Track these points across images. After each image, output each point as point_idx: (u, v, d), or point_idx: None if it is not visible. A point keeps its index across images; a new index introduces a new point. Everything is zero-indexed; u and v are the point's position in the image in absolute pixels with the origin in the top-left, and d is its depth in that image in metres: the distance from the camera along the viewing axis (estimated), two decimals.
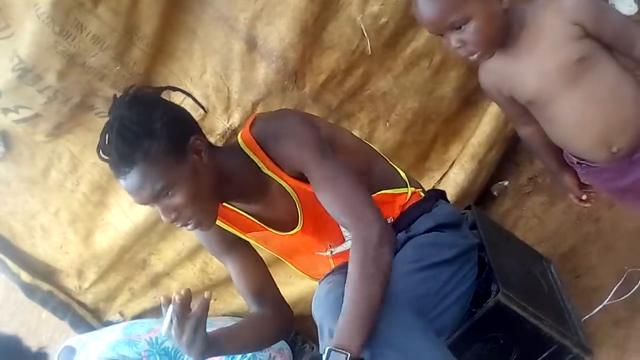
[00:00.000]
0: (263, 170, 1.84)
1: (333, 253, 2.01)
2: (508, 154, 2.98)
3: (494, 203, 2.98)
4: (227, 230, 2.05)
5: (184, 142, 1.75)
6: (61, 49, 2.26)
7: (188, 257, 3.01)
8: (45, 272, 3.17)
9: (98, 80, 2.38)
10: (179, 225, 1.80)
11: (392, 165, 2.10)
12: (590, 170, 1.88)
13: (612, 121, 1.72)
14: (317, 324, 1.76)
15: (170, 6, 2.34)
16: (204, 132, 2.46)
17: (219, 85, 2.48)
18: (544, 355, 2.07)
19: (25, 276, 3.12)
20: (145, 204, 1.76)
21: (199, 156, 1.77)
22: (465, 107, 2.86)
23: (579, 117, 1.73)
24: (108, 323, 3.22)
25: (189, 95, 1.97)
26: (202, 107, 2.04)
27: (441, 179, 2.90)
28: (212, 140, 2.53)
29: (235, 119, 2.54)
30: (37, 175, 2.76)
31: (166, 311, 1.67)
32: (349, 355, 1.54)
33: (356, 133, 2.67)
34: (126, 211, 2.80)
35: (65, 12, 2.21)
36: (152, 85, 2.44)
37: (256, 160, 1.84)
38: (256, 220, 1.99)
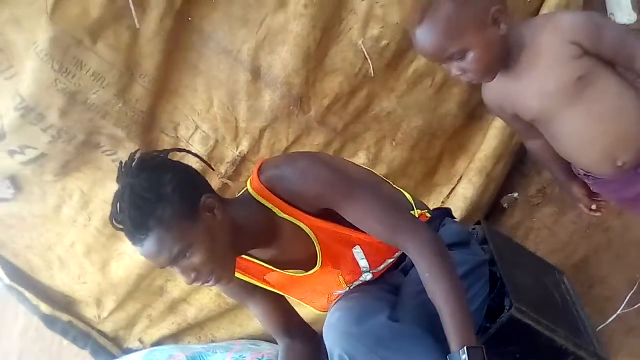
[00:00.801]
0: (279, 215, 1.84)
1: (351, 288, 2.02)
2: (516, 166, 2.99)
3: (504, 215, 2.98)
4: (243, 279, 2.07)
5: (196, 203, 1.75)
6: (62, 86, 2.30)
7: None
8: (64, 303, 3.21)
9: (101, 118, 2.41)
10: (199, 285, 1.80)
11: (397, 190, 2.11)
12: (597, 182, 1.90)
13: (616, 136, 1.73)
14: (328, 349, 1.78)
15: (170, 43, 2.37)
16: (214, 160, 2.52)
17: (226, 116, 2.52)
18: None
19: (45, 307, 3.16)
20: (163, 267, 1.77)
21: (212, 214, 1.77)
22: (470, 122, 2.88)
23: (582, 134, 1.75)
24: (128, 351, 3.26)
25: (194, 154, 1.98)
26: (210, 166, 2.07)
27: (450, 194, 2.91)
28: (222, 168, 2.58)
29: (244, 146, 2.58)
30: (49, 212, 2.80)
31: None
32: (483, 348, 1.61)
33: (363, 154, 2.72)
34: None
35: (64, 50, 2.24)
36: (158, 122, 2.48)
37: (270, 206, 1.83)
38: (271, 267, 1.99)
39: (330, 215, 1.82)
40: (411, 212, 2.01)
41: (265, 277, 2.05)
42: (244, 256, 1.97)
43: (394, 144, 2.73)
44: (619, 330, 2.20)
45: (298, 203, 1.82)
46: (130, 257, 2.90)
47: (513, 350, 2.05)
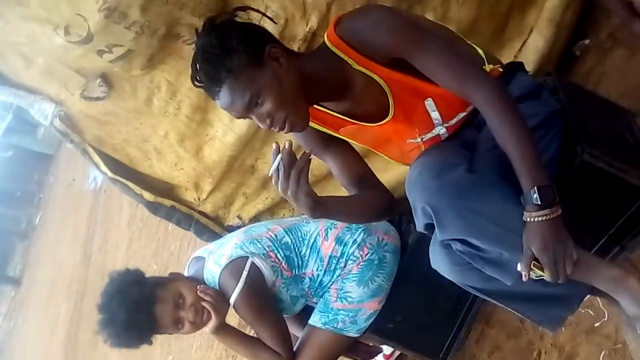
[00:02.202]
0: (354, 66, 1.94)
1: (424, 140, 2.11)
2: (586, 12, 2.92)
3: (577, 64, 2.95)
4: (320, 131, 2.21)
5: (260, 52, 1.90)
6: None
7: None
8: (165, 189, 3.41)
9: (178, 9, 2.51)
10: (277, 130, 1.95)
11: (470, 45, 2.15)
12: None
13: None
14: (411, 204, 1.91)
15: None
16: (286, 39, 2.60)
17: None
18: (633, 207, 2.11)
19: (147, 195, 3.37)
20: (241, 116, 1.95)
21: (277, 62, 1.92)
22: None
23: None
24: (229, 228, 3.45)
25: (256, 10, 2.16)
26: (272, 19, 2.23)
27: (521, 47, 2.89)
28: (295, 46, 2.65)
29: (313, 22, 2.62)
30: (141, 105, 2.95)
31: (274, 159, 1.86)
32: (553, 185, 1.77)
33: (430, 14, 2.69)
34: (228, 124, 2.99)
35: None
36: (230, 6, 2.57)
37: (346, 58, 1.94)
38: (345, 117, 2.12)
39: (402, 67, 1.92)
40: (483, 66, 2.07)
41: (340, 130, 2.18)
42: (320, 108, 2.11)
43: (460, 1, 2.71)
44: None
45: (372, 54, 1.92)
46: (220, 140, 3.06)
47: (586, 195, 2.10)
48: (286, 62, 1.93)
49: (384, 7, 2.04)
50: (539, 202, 1.74)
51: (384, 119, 2.06)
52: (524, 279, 1.79)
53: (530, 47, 2.87)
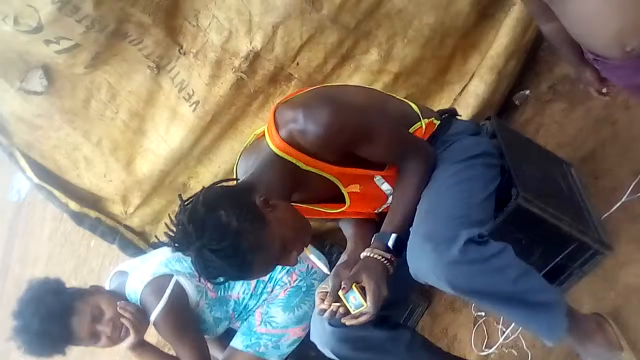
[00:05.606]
0: (302, 168, 1.91)
1: (377, 212, 2.19)
2: (528, 64, 3.00)
3: (516, 112, 3.02)
4: None
5: (255, 211, 1.77)
6: None
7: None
8: (91, 201, 3.30)
9: (130, 6, 2.50)
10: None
11: (402, 101, 2.16)
12: (606, 67, 1.93)
13: (627, 21, 1.71)
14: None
15: None
16: (229, 53, 2.60)
17: (240, 8, 2.57)
18: (564, 252, 2.17)
19: (73, 205, 3.25)
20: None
21: (269, 207, 1.80)
22: (482, 20, 2.87)
23: (593, 15, 1.74)
24: (155, 245, 3.36)
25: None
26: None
27: (462, 91, 2.94)
28: (237, 62, 2.65)
29: (257, 41, 2.62)
30: (78, 106, 2.88)
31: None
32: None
33: (375, 50, 2.75)
34: (163, 136, 2.93)
35: None
36: (181, 6, 2.56)
37: (294, 160, 1.90)
38: (311, 206, 2.10)
39: (349, 158, 1.96)
40: (418, 122, 2.10)
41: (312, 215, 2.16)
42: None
43: (405, 41, 2.74)
44: (623, 218, 2.26)
45: (321, 154, 1.91)
46: (153, 153, 2.99)
47: (519, 237, 2.13)
48: (274, 199, 1.84)
49: (325, 102, 1.92)
50: (390, 247, 1.91)
51: (343, 204, 2.09)
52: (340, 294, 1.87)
53: (470, 92, 2.93)
